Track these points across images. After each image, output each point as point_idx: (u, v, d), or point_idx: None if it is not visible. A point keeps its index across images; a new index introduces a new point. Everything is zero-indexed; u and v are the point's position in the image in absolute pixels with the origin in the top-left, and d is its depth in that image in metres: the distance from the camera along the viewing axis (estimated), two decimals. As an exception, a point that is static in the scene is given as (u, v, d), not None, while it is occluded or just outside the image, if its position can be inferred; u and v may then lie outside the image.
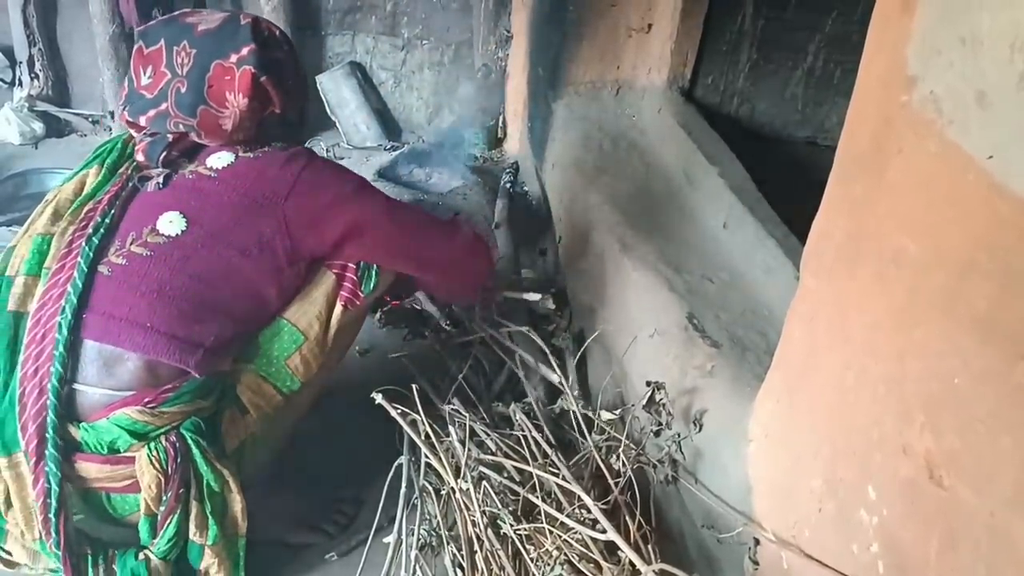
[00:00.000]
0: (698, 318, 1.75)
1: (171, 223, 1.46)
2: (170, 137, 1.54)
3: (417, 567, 1.58)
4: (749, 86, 2.82)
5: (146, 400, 1.38)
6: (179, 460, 1.39)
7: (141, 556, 1.44)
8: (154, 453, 1.38)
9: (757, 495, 1.37)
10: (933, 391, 0.93)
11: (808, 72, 2.78)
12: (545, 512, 1.50)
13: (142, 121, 1.54)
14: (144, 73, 1.53)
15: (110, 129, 3.49)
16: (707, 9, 2.57)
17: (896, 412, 0.99)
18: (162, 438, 1.40)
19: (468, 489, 1.56)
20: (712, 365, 1.62)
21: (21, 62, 3.45)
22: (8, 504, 1.40)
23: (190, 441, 1.41)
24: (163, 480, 1.39)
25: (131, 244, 1.45)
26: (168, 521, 1.41)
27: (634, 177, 2.42)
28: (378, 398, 1.59)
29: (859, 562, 1.08)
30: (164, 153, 1.53)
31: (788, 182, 2.04)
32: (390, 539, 1.61)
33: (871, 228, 1.03)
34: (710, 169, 2.20)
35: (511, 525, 1.53)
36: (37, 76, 3.46)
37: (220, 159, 1.53)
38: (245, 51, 1.50)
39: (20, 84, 3.48)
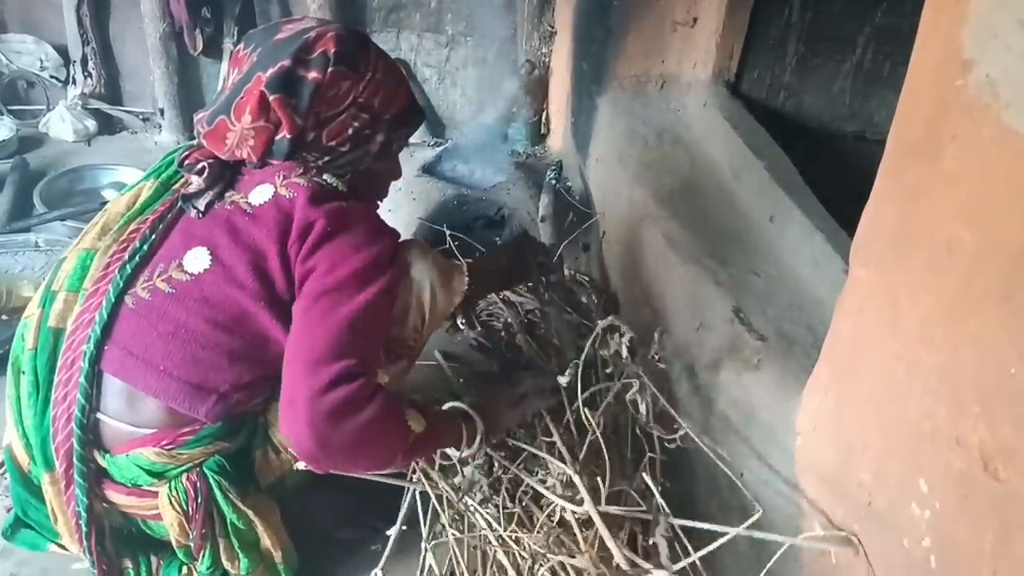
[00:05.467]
0: (744, 312, 1.73)
1: (196, 260, 1.39)
2: (195, 142, 1.50)
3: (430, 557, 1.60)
4: (796, 80, 2.78)
5: (163, 442, 1.37)
6: (199, 500, 1.38)
7: (184, 571, 1.47)
8: (174, 494, 1.38)
9: (804, 489, 1.36)
10: (988, 382, 0.91)
11: (856, 65, 2.74)
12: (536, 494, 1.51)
13: (195, 121, 1.48)
14: (231, 75, 1.44)
15: (160, 127, 3.57)
16: (753, 2, 2.55)
17: (949, 404, 0.98)
18: (183, 477, 1.39)
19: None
20: (758, 359, 1.60)
21: (75, 61, 3.54)
22: (55, 515, 1.43)
23: (212, 481, 1.40)
24: (185, 519, 1.40)
25: (157, 278, 1.39)
26: (201, 554, 1.43)
27: (679, 172, 2.40)
28: None
29: (911, 556, 1.06)
30: (186, 154, 1.47)
31: (836, 176, 2.01)
32: (391, 531, 1.63)
33: (924, 216, 1.02)
34: (756, 163, 2.18)
35: (494, 531, 1.53)
36: (90, 75, 3.55)
37: (261, 193, 1.41)
38: (277, 67, 1.35)
39: (74, 82, 3.58)
